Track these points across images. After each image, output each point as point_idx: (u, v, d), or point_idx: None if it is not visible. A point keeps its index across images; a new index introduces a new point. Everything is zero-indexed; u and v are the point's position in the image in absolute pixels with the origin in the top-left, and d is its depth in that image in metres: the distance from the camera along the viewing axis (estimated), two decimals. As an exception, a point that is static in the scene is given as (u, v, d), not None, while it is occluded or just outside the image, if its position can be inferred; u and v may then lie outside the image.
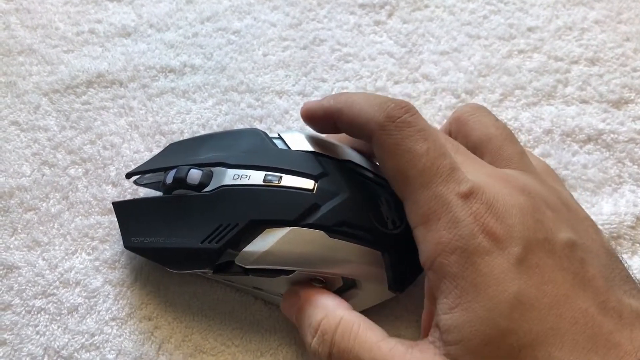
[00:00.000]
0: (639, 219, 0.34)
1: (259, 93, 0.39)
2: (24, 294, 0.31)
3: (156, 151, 0.36)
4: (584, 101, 0.40)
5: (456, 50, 0.42)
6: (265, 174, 0.28)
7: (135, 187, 0.35)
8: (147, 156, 0.36)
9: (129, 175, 0.33)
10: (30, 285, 0.31)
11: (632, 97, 0.40)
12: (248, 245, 0.27)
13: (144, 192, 0.35)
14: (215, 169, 0.29)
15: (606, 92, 0.40)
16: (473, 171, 0.26)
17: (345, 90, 0.40)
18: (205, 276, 0.31)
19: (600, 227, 0.33)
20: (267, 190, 0.28)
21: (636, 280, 0.25)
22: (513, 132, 0.31)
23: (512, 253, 0.23)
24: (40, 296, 0.31)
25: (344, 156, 0.30)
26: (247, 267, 0.27)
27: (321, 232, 0.27)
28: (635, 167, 0.37)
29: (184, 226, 0.29)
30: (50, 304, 0.31)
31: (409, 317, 0.31)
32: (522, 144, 0.32)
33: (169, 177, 0.30)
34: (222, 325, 0.30)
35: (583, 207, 0.29)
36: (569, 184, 0.36)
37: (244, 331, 0.30)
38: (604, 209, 0.35)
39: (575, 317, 0.23)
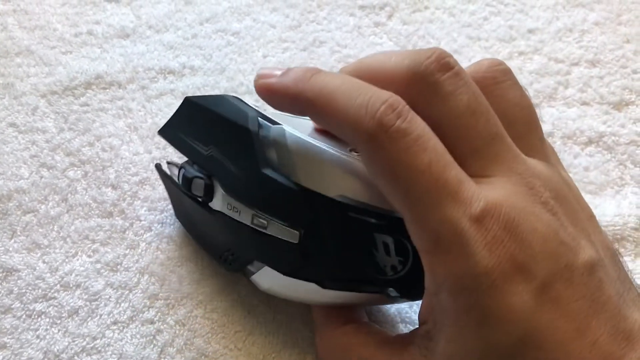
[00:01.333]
0: (642, 220, 0.34)
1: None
2: (24, 297, 0.31)
3: (155, 153, 0.36)
4: (584, 103, 0.40)
5: (456, 52, 0.42)
6: (253, 215, 0.26)
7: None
8: (146, 158, 0.36)
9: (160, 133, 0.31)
10: (30, 288, 0.31)
11: (633, 99, 0.40)
12: (255, 275, 0.28)
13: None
14: (215, 183, 0.28)
15: (607, 93, 0.40)
16: (500, 174, 0.23)
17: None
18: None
19: (603, 229, 0.33)
20: (256, 233, 0.26)
21: (634, 282, 0.24)
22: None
23: (530, 288, 0.21)
24: (40, 299, 0.31)
25: (338, 190, 0.25)
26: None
27: (313, 284, 0.26)
28: (637, 169, 0.37)
29: (205, 233, 0.31)
30: (51, 307, 0.30)
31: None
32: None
33: (180, 175, 0.29)
34: (224, 328, 0.30)
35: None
36: None
37: (246, 334, 0.30)
38: (607, 211, 0.34)
39: (585, 351, 0.21)
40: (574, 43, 0.43)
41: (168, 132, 0.30)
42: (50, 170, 0.35)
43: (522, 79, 0.41)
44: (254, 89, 0.38)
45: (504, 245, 0.21)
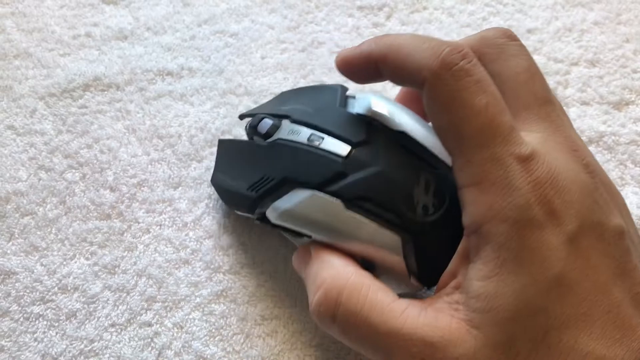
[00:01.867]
0: (641, 220, 0.34)
1: (257, 96, 0.39)
2: (22, 300, 0.31)
3: (154, 155, 0.36)
4: (584, 103, 0.39)
5: (455, 52, 0.42)
6: (311, 133, 0.28)
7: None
8: (144, 160, 0.36)
9: (242, 117, 0.34)
10: (28, 291, 0.31)
11: (633, 99, 0.40)
12: (277, 201, 0.28)
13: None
14: (283, 122, 0.30)
15: (606, 93, 0.40)
16: (545, 132, 0.24)
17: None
18: (255, 223, 0.31)
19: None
20: (307, 150, 0.28)
21: None
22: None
23: (564, 232, 0.22)
24: (38, 302, 0.31)
25: (400, 127, 0.27)
26: (273, 221, 0.28)
27: (338, 201, 0.26)
28: (638, 169, 0.36)
29: (244, 171, 0.31)
30: (49, 310, 0.30)
31: None
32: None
33: (247, 124, 0.32)
34: (222, 331, 0.30)
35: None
36: None
37: (244, 337, 0.30)
38: (607, 211, 0.34)
39: (609, 306, 0.22)
40: (573, 43, 0.43)
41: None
42: (49, 173, 0.35)
43: (522, 79, 0.40)
44: (251, 89, 0.39)
45: (544, 188, 0.22)
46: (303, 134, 0.28)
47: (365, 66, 0.27)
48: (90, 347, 0.29)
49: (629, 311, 0.22)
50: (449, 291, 0.24)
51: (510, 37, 0.27)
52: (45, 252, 0.32)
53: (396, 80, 0.26)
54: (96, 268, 0.32)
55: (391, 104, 0.28)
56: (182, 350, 0.29)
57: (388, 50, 0.25)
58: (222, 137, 0.36)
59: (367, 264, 0.27)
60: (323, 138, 0.28)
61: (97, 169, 0.35)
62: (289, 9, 0.44)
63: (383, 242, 0.26)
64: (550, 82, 0.40)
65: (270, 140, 0.30)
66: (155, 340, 0.30)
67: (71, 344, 0.29)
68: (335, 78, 0.40)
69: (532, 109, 0.25)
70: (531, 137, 0.24)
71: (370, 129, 0.27)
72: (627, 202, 0.34)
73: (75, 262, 0.32)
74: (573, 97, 0.40)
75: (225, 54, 0.41)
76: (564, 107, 0.39)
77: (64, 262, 0.32)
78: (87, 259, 0.32)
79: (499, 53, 0.26)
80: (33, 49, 0.41)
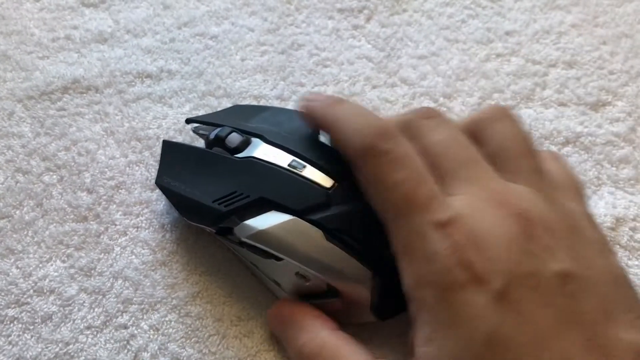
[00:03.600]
0: (619, 220, 0.34)
1: (236, 98, 0.39)
2: (-4, 303, 0.30)
3: (132, 157, 0.36)
4: (562, 104, 0.40)
5: (434, 54, 0.42)
6: (293, 159, 0.29)
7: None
8: (122, 162, 0.36)
9: (188, 121, 0.35)
10: (2, 294, 0.31)
11: (610, 100, 0.40)
12: (250, 220, 0.28)
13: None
14: (254, 139, 0.31)
15: (584, 94, 0.40)
16: (469, 192, 0.25)
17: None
18: (209, 232, 0.30)
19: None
20: (288, 175, 0.28)
21: None
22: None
23: (490, 289, 0.22)
24: (13, 305, 0.30)
25: None
26: (242, 239, 0.28)
27: (320, 231, 0.27)
28: (614, 169, 0.37)
29: (206, 182, 0.30)
30: (24, 313, 0.30)
31: (394, 340, 0.30)
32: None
33: (212, 134, 0.31)
34: (199, 332, 0.30)
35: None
36: (581, 185, 0.35)
37: (220, 338, 0.30)
38: (583, 211, 0.34)
39: (554, 359, 0.21)
40: (551, 45, 0.43)
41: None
42: (26, 175, 0.35)
43: (500, 81, 0.41)
44: (231, 91, 0.39)
45: (464, 250, 0.23)
46: (283, 158, 0.29)
47: (317, 124, 0.29)
48: (65, 349, 0.29)
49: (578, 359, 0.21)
50: (410, 355, 0.24)
51: (426, 115, 0.28)
52: (21, 254, 0.32)
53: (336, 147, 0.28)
54: (72, 270, 0.32)
55: None
56: (158, 353, 0.29)
57: (331, 121, 0.28)
58: (166, 139, 0.35)
59: (332, 292, 0.28)
60: (305, 166, 0.29)
61: (75, 172, 0.35)
62: (269, 12, 0.44)
63: (355, 274, 0.27)
64: (528, 83, 0.41)
65: (241, 155, 0.30)
66: (131, 342, 0.30)
67: (46, 347, 0.29)
68: (315, 80, 0.40)
69: (453, 173, 0.26)
70: (456, 201, 0.24)
71: (349, 166, 0.28)
72: (603, 202, 0.35)
73: (52, 265, 0.32)
74: (551, 98, 0.40)
75: (205, 56, 0.41)
76: (543, 108, 0.39)
77: (40, 265, 0.32)
78: (64, 261, 0.32)
79: (419, 129, 0.28)
80: (12, 51, 0.41)
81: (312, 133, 0.31)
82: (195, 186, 0.30)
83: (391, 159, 0.25)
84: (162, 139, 0.35)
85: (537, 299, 0.22)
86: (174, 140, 0.37)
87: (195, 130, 0.35)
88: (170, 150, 0.33)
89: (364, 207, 0.27)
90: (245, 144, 0.30)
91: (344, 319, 0.28)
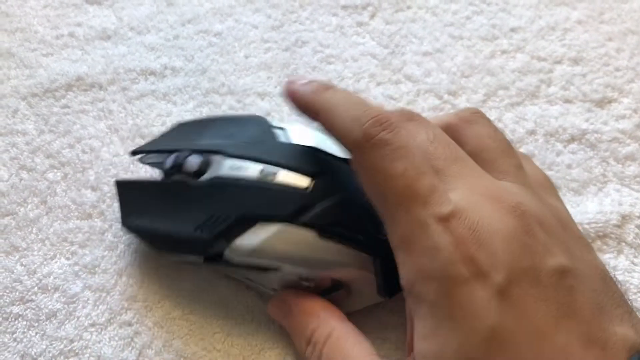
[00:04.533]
0: (625, 217, 0.34)
1: (240, 95, 0.39)
2: (1, 300, 0.30)
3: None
4: (567, 101, 0.40)
5: (439, 51, 0.42)
6: (262, 168, 0.28)
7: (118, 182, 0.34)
8: (126, 160, 0.36)
9: (134, 153, 0.33)
10: (7, 291, 0.31)
11: (615, 97, 0.40)
12: (238, 238, 0.27)
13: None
14: (214, 157, 0.29)
15: (589, 91, 0.40)
16: (464, 187, 0.25)
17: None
18: (197, 265, 0.30)
19: (586, 226, 0.33)
20: (261, 185, 0.27)
21: (629, 302, 0.24)
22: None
23: (492, 284, 0.22)
24: (17, 302, 0.30)
25: (346, 154, 0.28)
26: (235, 261, 0.27)
27: (313, 232, 0.27)
28: (619, 166, 0.36)
29: (179, 213, 0.29)
30: (28, 310, 0.30)
31: (396, 320, 0.30)
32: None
33: (168, 162, 0.30)
34: (203, 330, 0.30)
35: (568, 207, 0.28)
36: (554, 184, 0.35)
37: (225, 335, 0.30)
38: (589, 209, 0.34)
39: (555, 353, 0.21)
40: (556, 41, 0.43)
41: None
42: (30, 173, 0.35)
43: (505, 78, 0.41)
44: (235, 88, 0.39)
45: (466, 244, 0.22)
46: (251, 169, 0.28)
47: (304, 109, 0.28)
48: (70, 347, 0.29)
49: (579, 355, 0.21)
50: (411, 354, 0.24)
51: (410, 118, 0.27)
52: (25, 252, 0.32)
53: (327, 135, 0.28)
54: (76, 268, 0.32)
55: (320, 133, 0.29)
56: (162, 350, 0.29)
57: (322, 108, 0.27)
58: (118, 179, 0.33)
59: (336, 286, 0.28)
60: (276, 172, 0.28)
61: (79, 169, 0.35)
62: (273, 9, 0.44)
63: (357, 263, 0.27)
64: (534, 80, 0.40)
65: (205, 178, 0.29)
66: (135, 339, 0.30)
67: (51, 344, 0.29)
68: (319, 76, 0.40)
69: (447, 169, 0.25)
70: (455, 194, 0.24)
71: (320, 159, 0.28)
72: (609, 199, 0.35)
73: (56, 262, 0.32)
74: (556, 95, 0.40)
75: (209, 53, 0.41)
76: (548, 105, 0.39)
77: (44, 262, 0.32)
78: (68, 258, 0.32)
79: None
80: (16, 48, 0.41)
81: (268, 135, 0.30)
82: (167, 220, 0.29)
83: (393, 149, 0.24)
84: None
85: (537, 294, 0.22)
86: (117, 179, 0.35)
87: (143, 161, 0.33)
88: (127, 189, 0.32)
89: (345, 197, 0.27)
90: (206, 165, 0.29)
91: (349, 307, 0.28)
